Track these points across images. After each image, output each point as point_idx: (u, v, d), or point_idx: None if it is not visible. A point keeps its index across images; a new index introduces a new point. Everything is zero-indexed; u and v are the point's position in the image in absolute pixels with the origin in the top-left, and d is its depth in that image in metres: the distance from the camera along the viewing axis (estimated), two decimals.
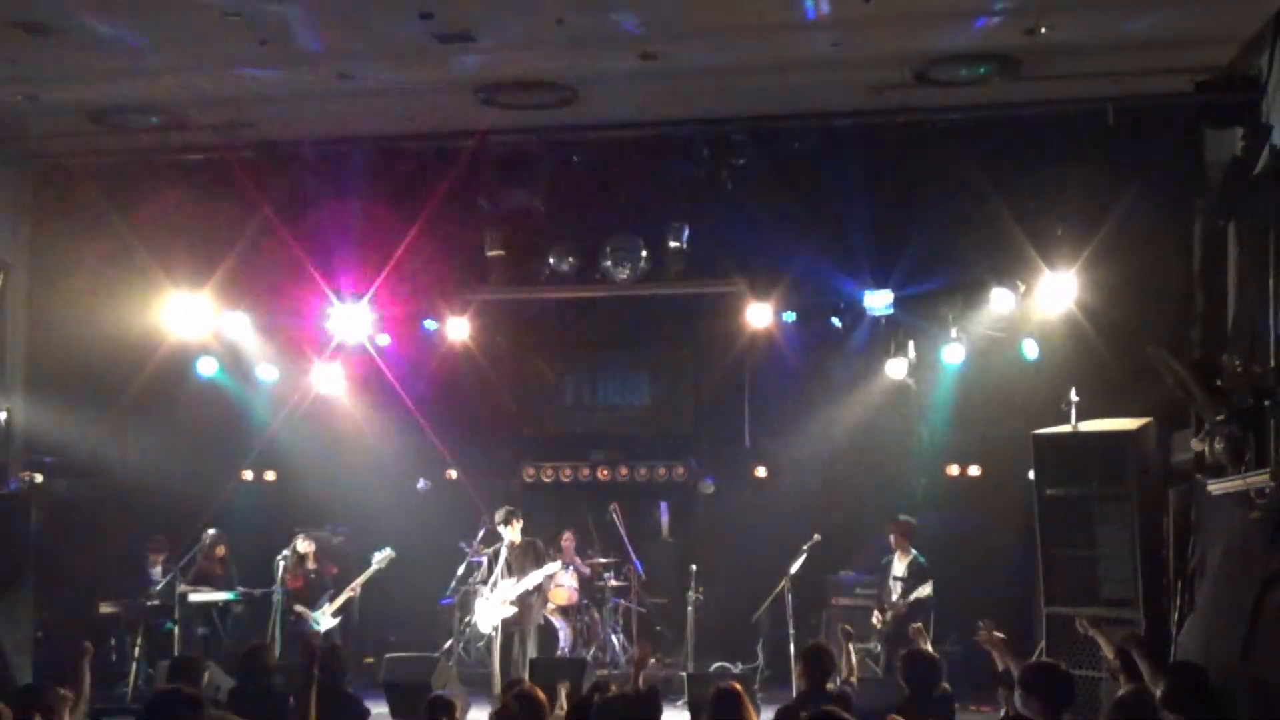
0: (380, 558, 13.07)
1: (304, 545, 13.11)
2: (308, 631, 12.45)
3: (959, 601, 12.47)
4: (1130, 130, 11.01)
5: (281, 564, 12.85)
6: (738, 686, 6.67)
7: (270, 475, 14.53)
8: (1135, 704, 6.84)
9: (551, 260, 12.74)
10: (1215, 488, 9.63)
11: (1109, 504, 10.15)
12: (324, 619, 12.76)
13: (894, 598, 11.83)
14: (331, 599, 12.85)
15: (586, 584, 13.46)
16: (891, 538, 11.91)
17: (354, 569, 13.39)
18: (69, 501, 13.04)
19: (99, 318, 12.89)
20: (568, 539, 13.71)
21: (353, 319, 13.17)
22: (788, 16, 9.42)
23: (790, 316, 12.96)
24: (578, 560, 13.63)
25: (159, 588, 12.54)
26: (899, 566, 11.92)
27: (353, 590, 12.90)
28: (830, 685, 8.07)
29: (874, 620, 12.11)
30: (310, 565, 13.13)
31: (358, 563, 13.52)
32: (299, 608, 12.77)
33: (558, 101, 11.24)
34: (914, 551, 11.84)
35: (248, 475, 13.89)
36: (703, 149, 11.88)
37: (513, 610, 11.78)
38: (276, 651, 8.61)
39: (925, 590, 11.60)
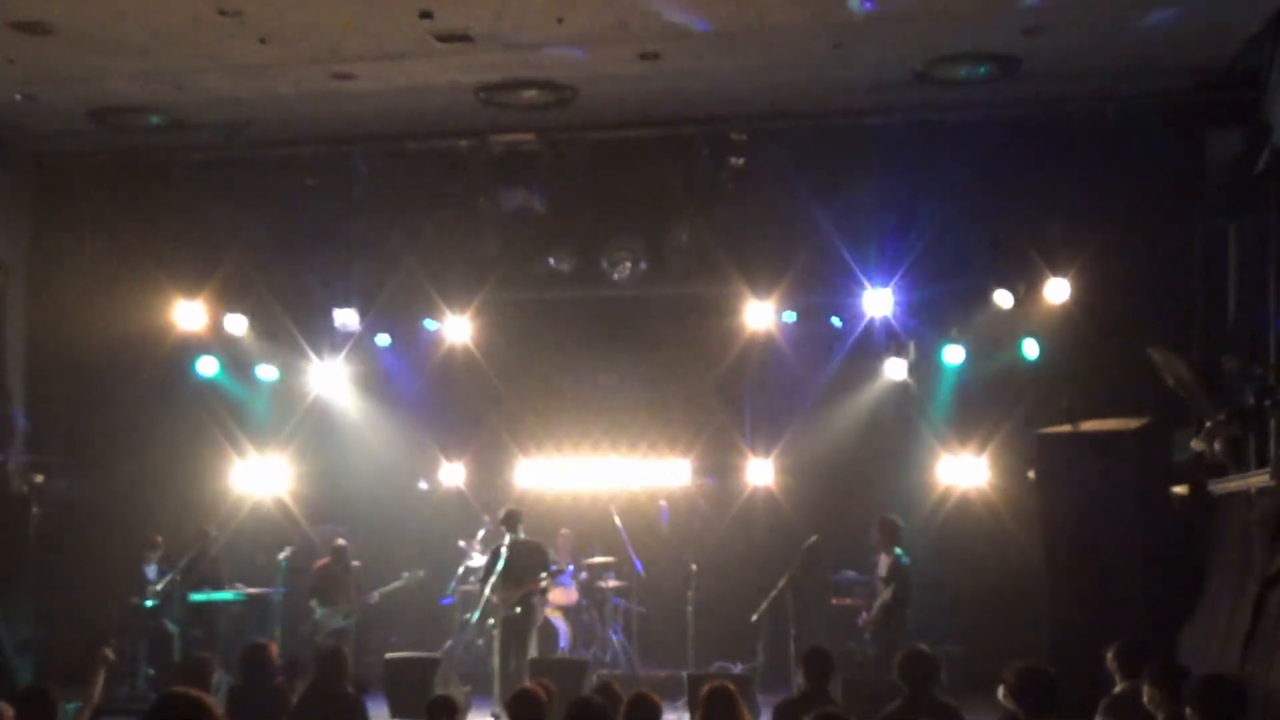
0: (407, 576, 13.11)
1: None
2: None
3: (959, 602, 12.48)
4: (1130, 130, 11.02)
5: (283, 564, 12.85)
6: (730, 685, 6.66)
7: (270, 475, 14.47)
8: (1129, 703, 6.86)
9: (551, 260, 12.73)
10: (1215, 488, 9.65)
11: (1109, 504, 10.14)
12: (335, 619, 12.76)
13: (877, 599, 11.88)
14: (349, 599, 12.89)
15: (586, 584, 13.45)
16: (876, 537, 11.89)
17: (362, 571, 13.42)
18: (69, 501, 13.03)
19: (99, 318, 12.89)
20: (564, 537, 13.69)
21: (353, 319, 13.19)
22: (788, 17, 9.43)
23: (790, 316, 12.95)
24: (571, 546, 13.60)
25: (158, 587, 12.53)
26: (882, 566, 11.93)
27: (378, 594, 12.98)
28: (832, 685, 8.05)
29: (860, 621, 12.15)
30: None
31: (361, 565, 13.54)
32: (312, 602, 12.77)
33: (558, 101, 11.25)
34: (897, 551, 11.79)
35: (250, 484, 13.86)
36: (703, 149, 11.90)
37: (516, 611, 11.77)
38: (276, 652, 8.56)
39: (887, 594, 11.51)
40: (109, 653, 8.12)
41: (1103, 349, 11.42)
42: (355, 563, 13.31)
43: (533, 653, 11.88)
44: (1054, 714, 6.23)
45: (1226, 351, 10.00)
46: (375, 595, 13.03)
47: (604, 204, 12.60)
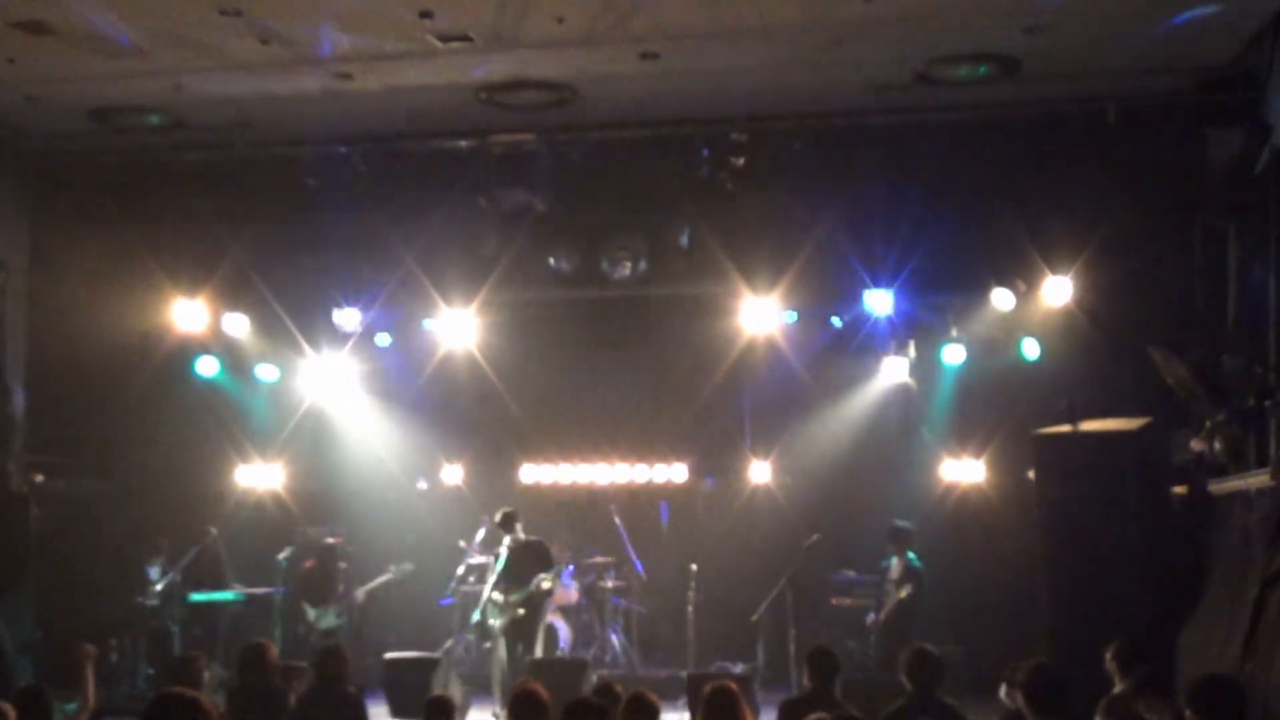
0: (394, 569, 13.10)
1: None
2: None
3: (960, 603, 12.48)
4: (1130, 130, 11.02)
5: (283, 564, 12.85)
6: (732, 686, 6.65)
7: (270, 475, 14.46)
8: (1129, 703, 6.85)
9: (551, 260, 12.73)
10: (1215, 488, 9.64)
11: (1109, 504, 10.12)
12: (326, 617, 12.76)
13: (889, 600, 11.96)
14: (339, 598, 12.89)
15: (586, 584, 13.45)
16: (890, 546, 12.04)
17: (354, 571, 13.41)
18: (69, 501, 13.03)
19: (99, 318, 12.88)
20: (565, 537, 13.69)
21: (353, 319, 13.19)
22: (788, 17, 9.42)
23: (790, 316, 12.95)
24: (572, 546, 13.61)
25: (159, 587, 12.54)
26: (894, 570, 12.03)
27: (359, 596, 12.97)
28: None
29: (868, 621, 12.19)
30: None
31: (359, 565, 13.53)
32: (303, 604, 12.77)
33: (558, 101, 11.25)
34: (910, 555, 11.91)
35: (251, 484, 13.87)
36: (703, 149, 11.89)
37: (519, 612, 11.78)
38: (276, 651, 8.57)
39: (903, 593, 11.74)
40: (90, 649, 8.11)
41: (1103, 349, 11.42)
42: (342, 564, 13.30)
43: (538, 653, 11.88)
44: (1062, 714, 6.23)
45: (1226, 351, 10.00)
46: (360, 594, 13.01)
47: (604, 204, 12.59)
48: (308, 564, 13.05)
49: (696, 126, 11.86)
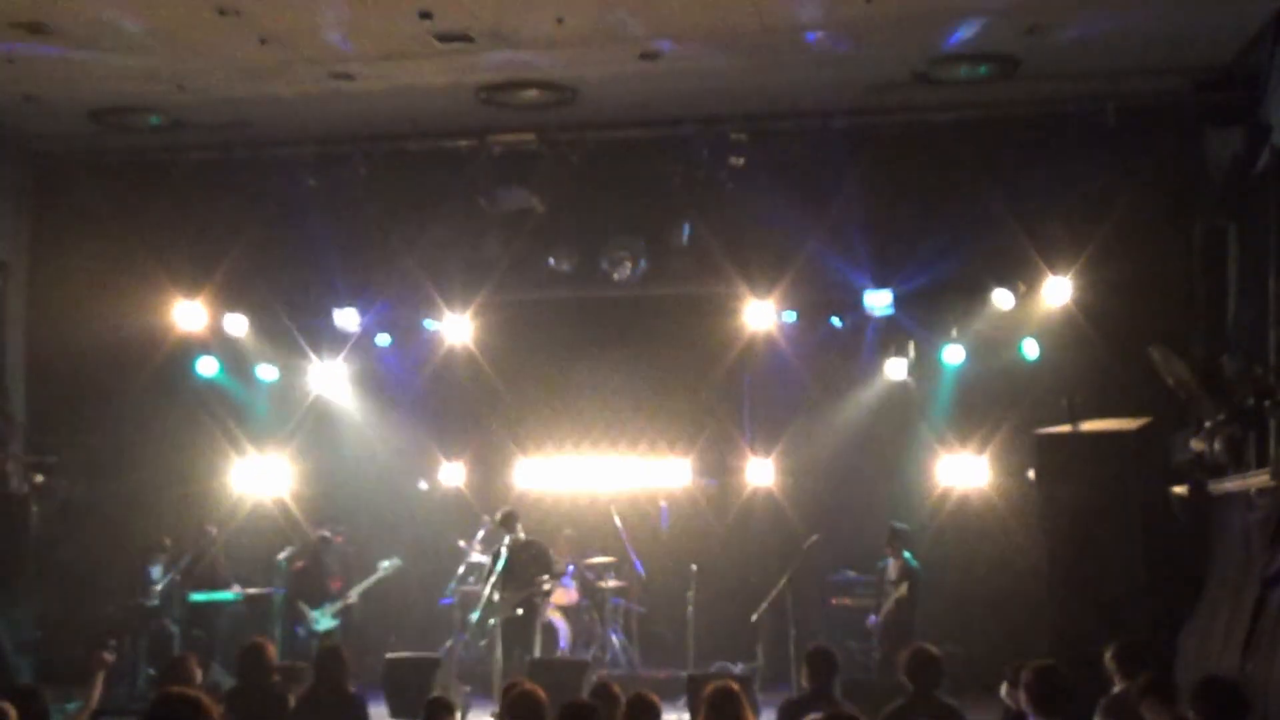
0: (386, 566, 13.09)
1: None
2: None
3: (959, 603, 12.48)
4: (1130, 130, 11.03)
5: (283, 564, 12.85)
6: (734, 686, 6.64)
7: (270, 475, 14.45)
8: (1129, 703, 6.85)
9: (551, 260, 12.73)
10: (1215, 488, 9.64)
11: (1109, 504, 10.13)
12: (324, 619, 12.75)
13: (888, 601, 11.97)
14: (334, 599, 12.88)
15: (587, 584, 13.44)
16: (887, 549, 12.08)
17: (354, 571, 13.40)
18: (69, 501, 13.02)
19: (99, 318, 12.89)
20: (565, 537, 13.70)
21: (353, 319, 13.19)
22: (788, 16, 9.43)
23: (790, 316, 12.95)
24: (572, 546, 13.61)
25: (159, 587, 12.53)
26: (892, 570, 12.05)
27: (352, 597, 12.95)
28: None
29: (868, 622, 12.20)
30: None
31: (359, 565, 13.52)
32: (300, 605, 12.76)
33: (558, 101, 11.26)
34: (906, 555, 11.93)
35: (251, 484, 13.86)
36: (703, 149, 11.91)
37: (518, 612, 11.78)
38: (275, 651, 8.55)
39: (900, 590, 11.79)
40: (108, 656, 8.11)
41: (1103, 349, 11.43)
42: (338, 584, 13.29)
43: (537, 653, 11.88)
44: (1066, 714, 6.22)
45: (1226, 351, 10.00)
46: (354, 594, 12.99)
47: (604, 204, 12.60)
48: (298, 565, 13.04)
49: (696, 126, 11.87)
